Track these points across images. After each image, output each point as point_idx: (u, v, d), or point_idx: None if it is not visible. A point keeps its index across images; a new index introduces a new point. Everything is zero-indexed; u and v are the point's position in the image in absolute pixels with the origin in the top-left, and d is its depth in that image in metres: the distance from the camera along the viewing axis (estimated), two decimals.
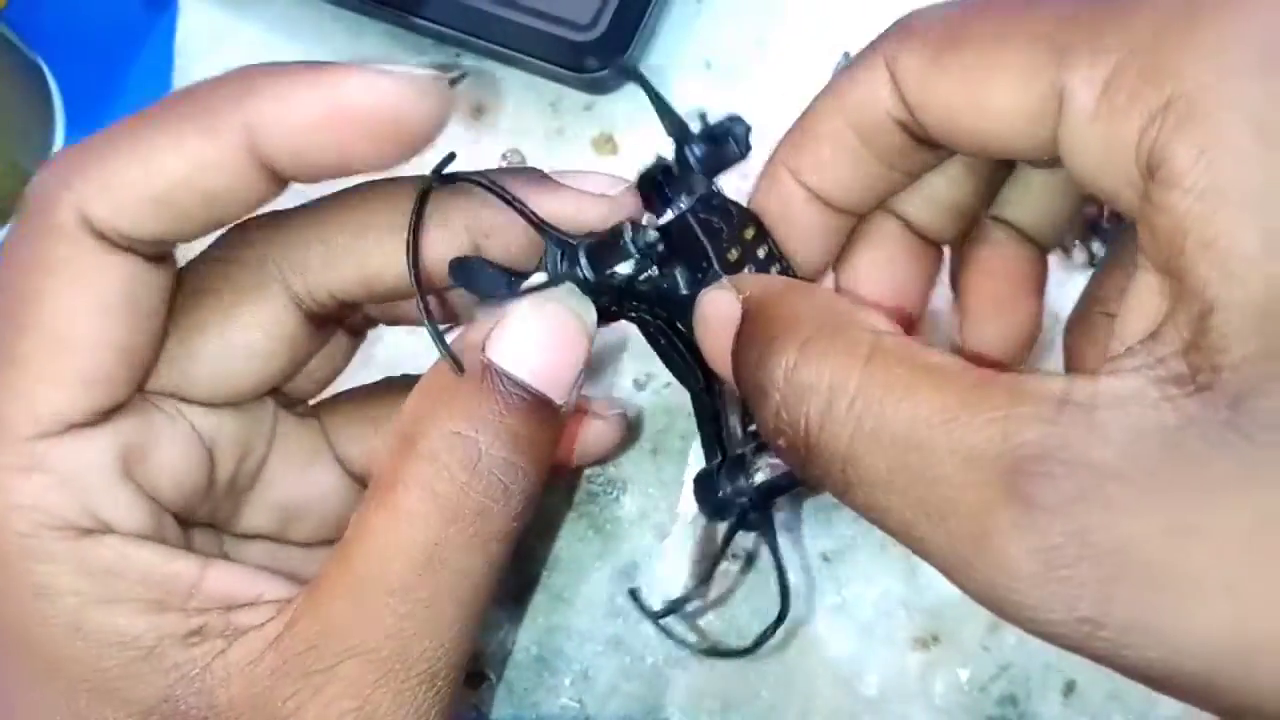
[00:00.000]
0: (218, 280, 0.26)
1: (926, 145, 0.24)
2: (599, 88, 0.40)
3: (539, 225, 0.25)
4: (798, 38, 0.40)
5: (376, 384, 0.32)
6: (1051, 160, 0.21)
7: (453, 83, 0.41)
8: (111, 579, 0.23)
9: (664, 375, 0.38)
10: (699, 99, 0.40)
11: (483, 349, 0.24)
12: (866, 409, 0.20)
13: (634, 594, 0.27)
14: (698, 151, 0.26)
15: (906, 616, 0.35)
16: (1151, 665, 0.18)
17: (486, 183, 0.25)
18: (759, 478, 0.27)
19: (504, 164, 0.40)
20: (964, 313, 0.29)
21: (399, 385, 0.32)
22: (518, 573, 0.36)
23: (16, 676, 0.24)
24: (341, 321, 0.29)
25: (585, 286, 0.25)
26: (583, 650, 0.36)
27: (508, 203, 0.25)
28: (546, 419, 0.24)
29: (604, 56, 0.38)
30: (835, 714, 0.35)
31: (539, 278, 0.25)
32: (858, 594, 0.36)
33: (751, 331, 0.23)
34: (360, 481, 0.32)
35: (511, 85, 0.41)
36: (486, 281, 0.25)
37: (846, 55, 0.40)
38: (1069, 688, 0.35)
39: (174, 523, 0.26)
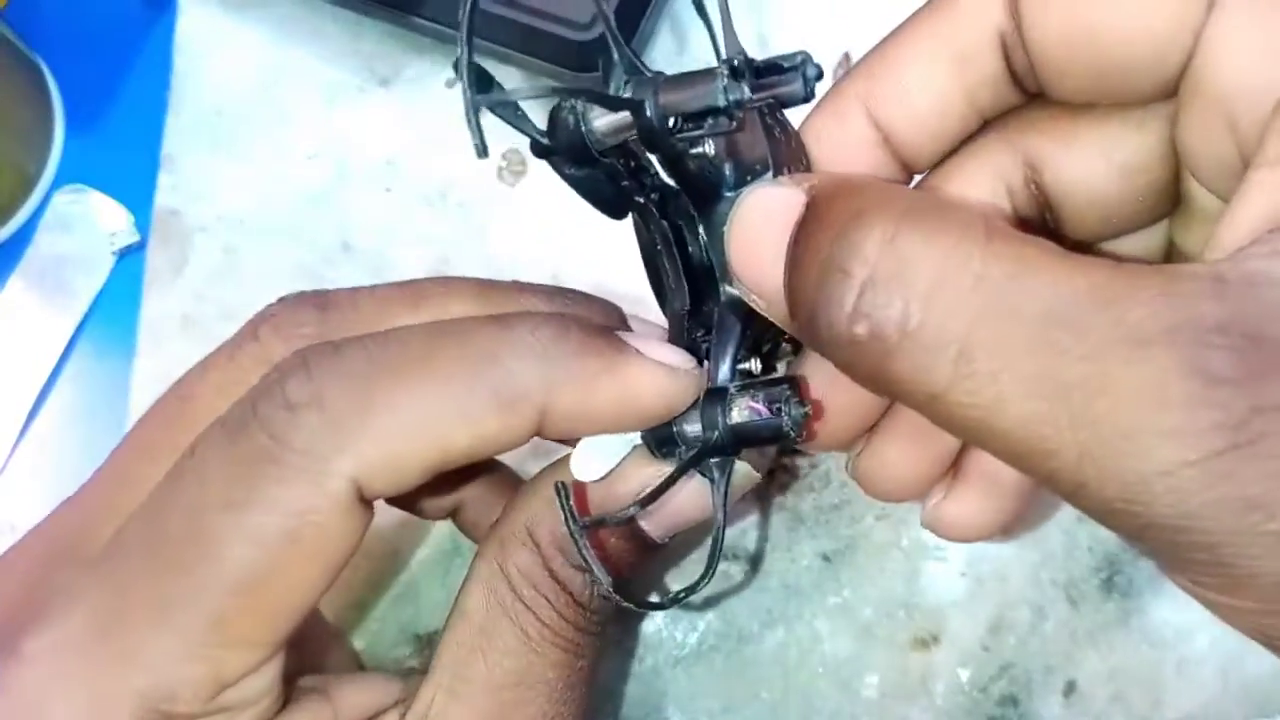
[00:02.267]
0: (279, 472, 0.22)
1: (1019, 84, 0.23)
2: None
3: (616, 37, 0.22)
4: (798, 38, 0.40)
5: None
6: (1155, 93, 0.21)
7: (451, 84, 0.41)
8: None
9: None
10: None
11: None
12: (999, 285, 0.17)
13: (562, 488, 0.23)
14: (751, 84, 0.22)
15: (906, 616, 0.35)
16: None
17: None
18: (736, 418, 0.23)
19: (503, 164, 0.40)
20: None
21: None
22: None
23: None
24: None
25: (648, 135, 0.22)
26: None
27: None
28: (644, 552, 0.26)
29: (604, 56, 0.38)
30: (835, 714, 0.35)
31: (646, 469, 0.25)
32: (858, 594, 0.36)
33: (826, 214, 0.19)
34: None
35: (511, 85, 0.41)
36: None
37: (846, 55, 0.40)
38: (1069, 688, 0.35)
39: None
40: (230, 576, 0.21)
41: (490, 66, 0.42)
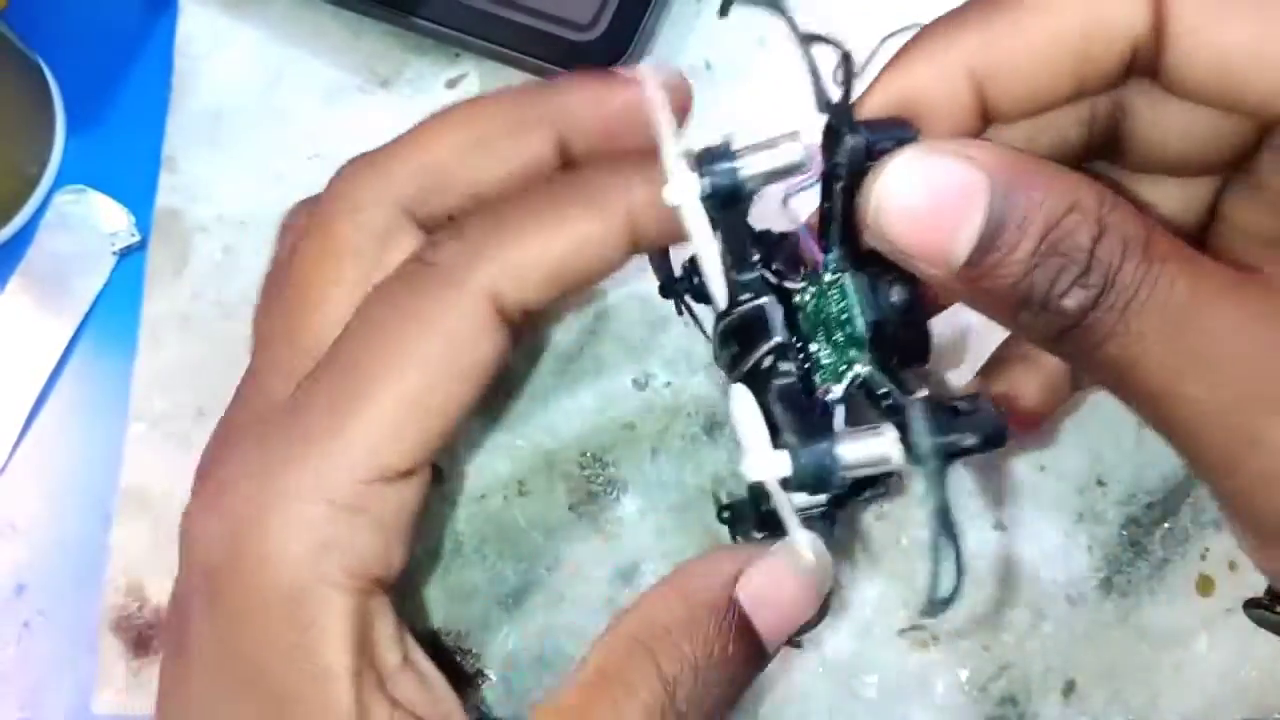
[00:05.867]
0: (430, 291, 0.26)
1: (1130, 79, 0.24)
2: None
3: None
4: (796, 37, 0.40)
5: None
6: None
7: (450, 84, 0.41)
8: (384, 662, 0.25)
9: (664, 374, 0.38)
10: (699, 99, 0.40)
11: (735, 583, 0.25)
12: (1166, 274, 0.21)
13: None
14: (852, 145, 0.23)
15: (906, 616, 0.35)
16: None
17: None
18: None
19: None
20: None
21: None
22: (518, 573, 0.36)
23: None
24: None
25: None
26: (583, 650, 0.36)
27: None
28: (755, 665, 0.26)
29: (604, 56, 0.38)
30: (835, 714, 0.35)
31: (800, 537, 0.25)
32: (858, 594, 0.36)
33: (1026, 201, 0.21)
34: None
35: (511, 85, 0.41)
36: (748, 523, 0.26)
37: (847, 55, 0.40)
38: (1069, 687, 0.35)
39: None
40: (381, 376, 0.24)
41: (490, 67, 0.43)
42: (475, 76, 0.41)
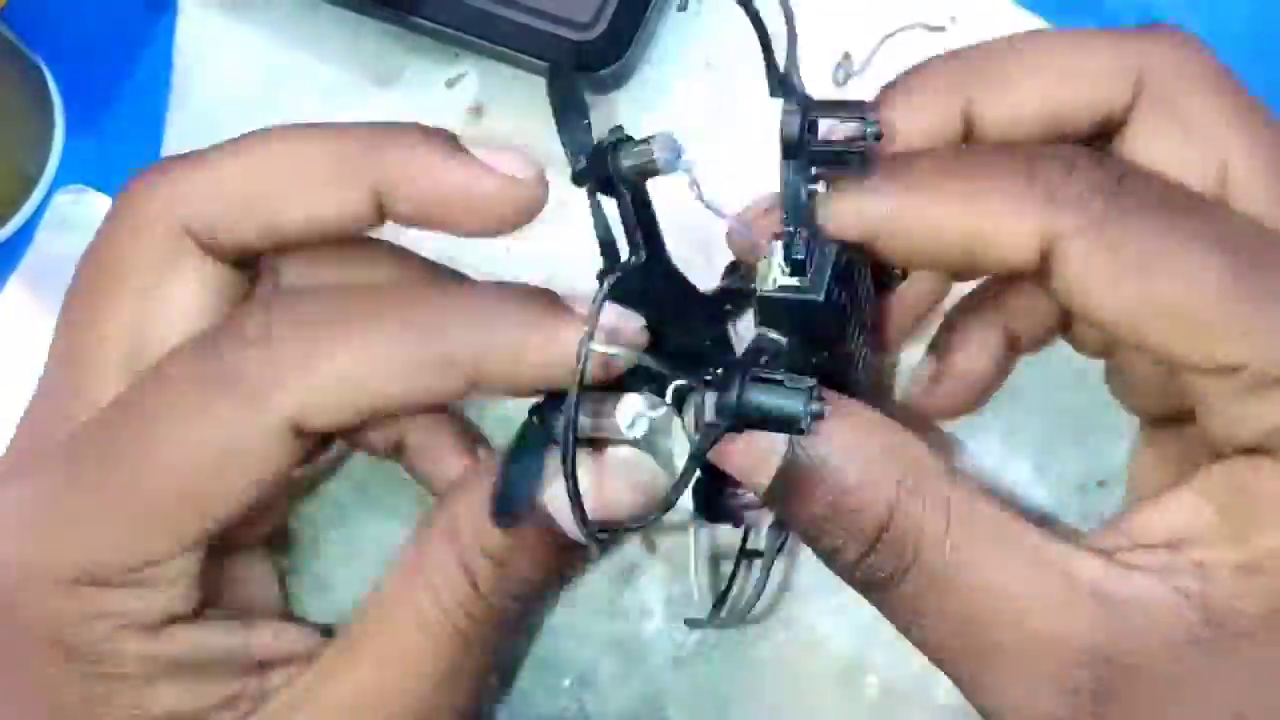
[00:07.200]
0: (140, 250, 0.26)
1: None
2: (599, 88, 0.40)
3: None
4: (798, 38, 0.40)
5: None
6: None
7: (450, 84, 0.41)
8: (171, 664, 0.25)
9: None
10: (699, 99, 0.40)
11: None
12: (956, 560, 0.23)
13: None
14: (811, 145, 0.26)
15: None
16: None
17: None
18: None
19: None
20: None
21: None
22: None
23: None
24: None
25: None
26: (583, 650, 0.36)
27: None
28: (564, 554, 0.27)
29: (604, 56, 0.38)
30: (835, 714, 0.35)
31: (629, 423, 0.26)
32: (858, 594, 0.36)
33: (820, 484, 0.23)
34: None
35: (511, 85, 0.41)
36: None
37: (846, 55, 0.40)
38: None
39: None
40: (167, 477, 0.24)
41: (490, 67, 0.42)
42: (475, 76, 0.41)
